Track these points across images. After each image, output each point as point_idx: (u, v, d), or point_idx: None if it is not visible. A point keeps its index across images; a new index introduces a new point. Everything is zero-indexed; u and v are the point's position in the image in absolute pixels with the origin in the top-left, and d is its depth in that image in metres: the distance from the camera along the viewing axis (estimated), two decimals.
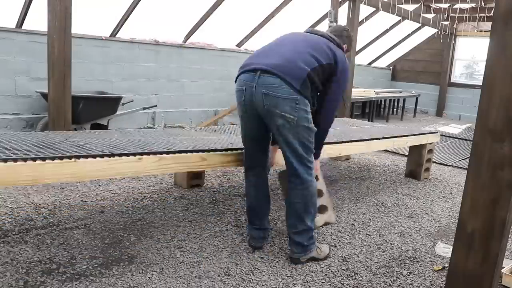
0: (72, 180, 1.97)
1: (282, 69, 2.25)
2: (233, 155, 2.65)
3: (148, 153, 2.21)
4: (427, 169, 4.71)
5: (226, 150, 2.63)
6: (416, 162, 4.63)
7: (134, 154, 2.15)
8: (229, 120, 7.55)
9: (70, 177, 1.94)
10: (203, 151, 2.47)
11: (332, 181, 4.33)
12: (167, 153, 2.29)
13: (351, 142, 3.56)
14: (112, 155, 2.06)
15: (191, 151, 2.41)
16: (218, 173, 4.27)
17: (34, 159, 1.84)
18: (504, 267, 2.37)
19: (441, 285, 2.38)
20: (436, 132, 4.72)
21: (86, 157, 1.98)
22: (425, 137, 4.50)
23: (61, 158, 1.91)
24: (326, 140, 3.20)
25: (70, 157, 1.93)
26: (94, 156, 2.01)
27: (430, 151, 4.66)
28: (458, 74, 11.40)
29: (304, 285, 2.27)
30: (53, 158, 1.89)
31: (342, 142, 3.46)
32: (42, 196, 3.26)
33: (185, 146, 2.57)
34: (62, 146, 2.21)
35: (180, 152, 2.35)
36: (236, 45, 7.79)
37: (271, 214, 2.97)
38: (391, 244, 2.89)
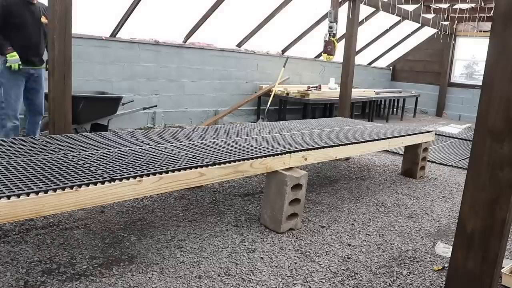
0: (74, 208, 1.97)
1: None
2: (232, 167, 2.62)
3: (148, 174, 2.21)
4: (423, 168, 4.77)
5: (225, 163, 2.59)
6: (412, 161, 4.71)
7: (134, 177, 2.15)
8: (229, 120, 7.56)
9: (72, 206, 1.94)
10: (201, 166, 2.46)
11: (332, 181, 4.33)
12: (166, 172, 2.29)
13: (347, 145, 3.55)
14: (112, 179, 2.06)
15: (190, 168, 2.40)
16: None
17: (37, 193, 1.84)
18: (503, 267, 2.37)
19: (441, 285, 2.38)
20: (431, 131, 4.77)
21: (87, 184, 1.98)
22: (420, 136, 4.56)
23: (63, 188, 1.91)
24: (322, 144, 3.37)
25: (71, 187, 1.93)
26: (95, 183, 2.00)
27: (425, 149, 4.73)
28: (458, 74, 11.41)
29: (304, 285, 2.27)
30: (55, 190, 1.88)
31: (338, 145, 3.46)
32: None
33: (184, 159, 2.54)
34: (63, 168, 2.19)
35: (179, 170, 2.35)
36: (236, 45, 7.80)
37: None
38: (391, 244, 2.89)
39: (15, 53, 4.04)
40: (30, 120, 4.52)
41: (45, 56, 4.24)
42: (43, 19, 4.27)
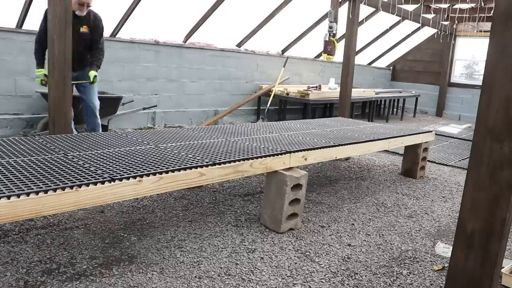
0: (74, 208, 1.97)
1: None
2: (232, 167, 2.62)
3: (148, 174, 2.21)
4: (423, 168, 4.78)
5: (225, 163, 2.59)
6: (412, 161, 4.71)
7: (134, 177, 2.15)
8: (229, 120, 7.56)
9: (72, 206, 1.94)
10: (201, 166, 2.46)
11: (332, 181, 4.33)
12: (166, 172, 2.29)
13: (347, 145, 3.55)
14: (112, 179, 2.06)
15: (190, 168, 2.40)
16: None
17: (37, 193, 1.84)
18: (503, 267, 2.37)
19: (441, 285, 2.38)
20: (431, 131, 4.77)
21: (87, 184, 1.98)
22: (420, 136, 4.57)
23: (63, 188, 1.91)
24: (322, 144, 3.38)
25: (71, 187, 1.93)
26: (95, 183, 2.00)
27: (425, 149, 4.74)
28: (458, 74, 11.41)
29: (304, 285, 2.27)
30: (55, 189, 1.88)
31: (338, 145, 3.46)
32: None
33: (184, 159, 2.54)
34: (63, 168, 2.19)
35: (179, 170, 2.35)
36: (236, 45, 7.79)
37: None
38: (391, 244, 2.89)
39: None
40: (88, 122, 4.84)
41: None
42: (83, 29, 4.33)
